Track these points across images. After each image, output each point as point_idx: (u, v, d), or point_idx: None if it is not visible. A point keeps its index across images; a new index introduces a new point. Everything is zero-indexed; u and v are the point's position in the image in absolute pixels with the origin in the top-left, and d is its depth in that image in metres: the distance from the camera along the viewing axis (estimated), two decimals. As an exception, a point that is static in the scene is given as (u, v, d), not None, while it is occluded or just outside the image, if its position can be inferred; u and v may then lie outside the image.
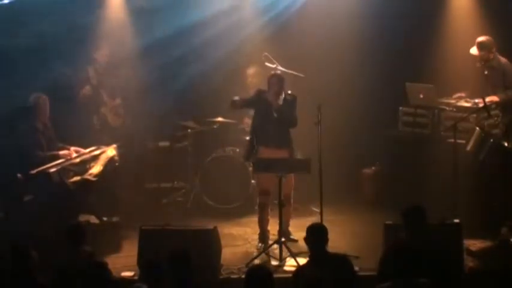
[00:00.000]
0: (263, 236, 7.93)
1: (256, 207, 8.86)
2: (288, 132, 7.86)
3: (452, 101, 8.78)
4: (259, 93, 7.90)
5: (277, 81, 7.75)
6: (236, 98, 7.86)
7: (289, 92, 7.88)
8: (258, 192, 8.00)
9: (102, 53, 9.31)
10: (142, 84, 9.62)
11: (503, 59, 8.46)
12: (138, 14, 9.63)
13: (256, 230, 8.21)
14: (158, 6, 9.51)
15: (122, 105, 9.54)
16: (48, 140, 7.96)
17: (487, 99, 8.14)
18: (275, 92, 7.72)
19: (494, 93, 8.35)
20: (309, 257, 5.88)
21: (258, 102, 7.87)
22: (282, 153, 7.77)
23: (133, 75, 9.57)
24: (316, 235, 5.80)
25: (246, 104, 8.02)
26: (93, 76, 9.24)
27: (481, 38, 8.48)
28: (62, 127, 8.50)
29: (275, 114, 7.72)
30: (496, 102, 8.27)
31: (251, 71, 9.53)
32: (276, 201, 7.62)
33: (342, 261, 5.78)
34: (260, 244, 7.86)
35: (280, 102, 7.76)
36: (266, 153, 7.79)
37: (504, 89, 8.36)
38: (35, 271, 5.74)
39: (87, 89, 9.14)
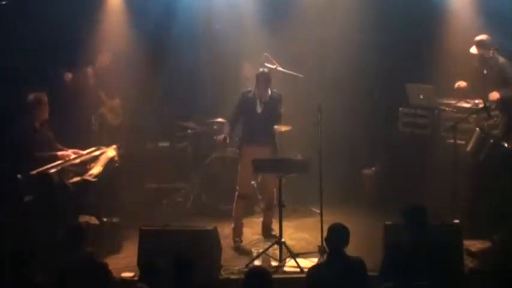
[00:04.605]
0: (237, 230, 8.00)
1: (256, 208, 8.89)
2: (271, 129, 7.83)
3: (453, 102, 8.77)
4: (243, 95, 8.00)
5: (264, 79, 7.84)
6: (221, 136, 8.01)
7: (275, 90, 7.96)
8: (238, 185, 8.00)
9: (106, 56, 9.34)
10: (142, 84, 9.63)
11: (501, 58, 8.45)
12: (137, 15, 9.65)
13: (257, 230, 8.22)
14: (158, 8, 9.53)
15: (121, 105, 9.56)
16: (45, 140, 7.89)
17: (490, 95, 8.13)
18: (262, 88, 7.82)
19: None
20: (327, 256, 5.87)
21: (244, 102, 7.96)
22: (264, 151, 7.79)
23: (133, 76, 9.57)
24: (336, 235, 5.76)
25: (236, 117, 8.04)
26: (92, 76, 9.24)
27: (480, 37, 8.46)
28: (60, 128, 8.48)
29: (259, 110, 7.84)
30: (497, 99, 8.24)
31: (246, 65, 9.54)
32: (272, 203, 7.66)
33: (357, 265, 5.72)
34: (237, 238, 7.92)
35: (267, 98, 7.85)
36: (249, 151, 7.82)
37: (504, 87, 8.35)
38: (34, 272, 5.74)
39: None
